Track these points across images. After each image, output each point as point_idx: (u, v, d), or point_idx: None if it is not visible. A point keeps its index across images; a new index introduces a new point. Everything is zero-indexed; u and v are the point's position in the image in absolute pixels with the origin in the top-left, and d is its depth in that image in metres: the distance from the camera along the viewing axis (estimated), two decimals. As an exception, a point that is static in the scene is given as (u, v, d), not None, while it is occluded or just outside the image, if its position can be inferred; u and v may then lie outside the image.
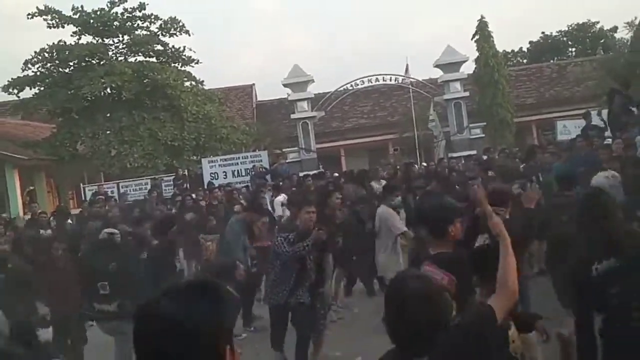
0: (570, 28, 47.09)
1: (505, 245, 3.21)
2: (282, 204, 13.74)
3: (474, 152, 23.02)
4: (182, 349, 1.68)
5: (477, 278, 3.62)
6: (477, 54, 28.88)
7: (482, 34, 28.88)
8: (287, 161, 22.98)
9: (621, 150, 11.22)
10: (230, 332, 1.80)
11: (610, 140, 13.58)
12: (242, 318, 9.13)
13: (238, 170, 21.88)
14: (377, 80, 27.84)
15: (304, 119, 25.81)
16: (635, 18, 25.56)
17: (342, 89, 27.97)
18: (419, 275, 2.97)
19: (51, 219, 15.73)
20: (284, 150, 24.54)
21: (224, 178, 21.49)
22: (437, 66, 26.40)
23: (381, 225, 9.03)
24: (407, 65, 27.62)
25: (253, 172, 20.88)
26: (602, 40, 39.15)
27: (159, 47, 26.17)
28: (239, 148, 25.48)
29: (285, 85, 26.27)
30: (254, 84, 35.63)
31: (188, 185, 21.20)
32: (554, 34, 47.49)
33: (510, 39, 79.02)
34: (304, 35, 74.40)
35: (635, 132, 13.09)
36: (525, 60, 46.36)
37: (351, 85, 27.85)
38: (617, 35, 34.35)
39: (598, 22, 46.24)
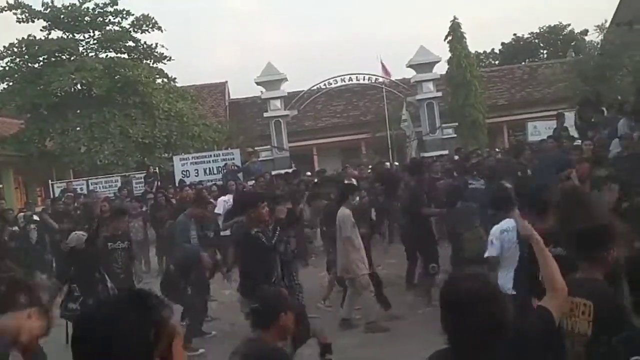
0: (541, 30, 47.63)
1: (540, 248, 3.21)
2: (225, 202, 13.84)
3: (445, 152, 23.16)
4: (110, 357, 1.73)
5: None
6: (449, 54, 29.06)
7: (455, 35, 29.06)
8: (259, 159, 22.87)
9: (591, 151, 11.35)
10: (165, 340, 1.82)
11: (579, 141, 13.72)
12: (194, 330, 8.79)
13: (210, 168, 21.80)
14: (350, 79, 27.83)
15: (276, 118, 25.73)
16: (605, 21, 25.88)
17: (315, 87, 27.94)
18: (476, 275, 2.81)
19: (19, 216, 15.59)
20: (256, 148, 24.40)
21: (196, 176, 21.41)
22: (409, 66, 26.47)
23: (340, 226, 9.02)
24: (382, 64, 27.60)
25: (225, 170, 20.78)
26: (573, 43, 39.48)
27: (130, 43, 25.92)
28: (211, 146, 25.34)
29: (258, 84, 26.13)
30: (227, 82, 35.50)
31: (159, 183, 21.04)
32: (526, 36, 48.02)
33: (483, 40, 79.87)
34: (278, 34, 74.37)
35: (605, 133, 13.25)
36: (497, 62, 46.81)
37: (324, 85, 27.81)
38: (588, 38, 34.72)
39: (569, 25, 46.86)
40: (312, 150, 30.79)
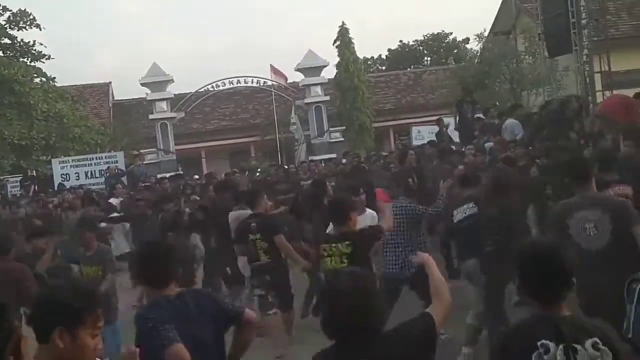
0: (426, 38, 49.17)
1: (429, 267, 3.41)
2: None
3: (334, 155, 23.41)
4: None
5: None
6: (338, 59, 29.41)
7: (344, 40, 29.46)
8: (144, 162, 22.34)
9: (472, 156, 11.73)
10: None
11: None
12: None
13: (92, 172, 21.05)
14: (239, 82, 27.61)
15: (162, 120, 25.13)
16: (485, 30, 27.01)
17: (203, 90, 27.52)
18: (353, 272, 3.04)
19: None
20: (141, 151, 23.78)
21: (77, 179, 20.63)
22: (298, 70, 26.59)
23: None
24: (275, 68, 27.47)
25: (108, 174, 20.09)
26: (455, 51, 41.05)
27: (6, 40, 24.59)
28: (94, 148, 24.36)
29: (143, 85, 25.46)
30: (110, 83, 34.26)
31: (36, 187, 20.10)
32: (411, 43, 49.41)
33: (371, 46, 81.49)
34: (166, 36, 72.70)
35: (485, 139, 13.74)
36: (384, 67, 47.86)
37: (212, 87, 27.46)
38: (469, 46, 36.24)
39: (451, 33, 48.66)
40: (200, 153, 30.27)
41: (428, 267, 3.43)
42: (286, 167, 18.84)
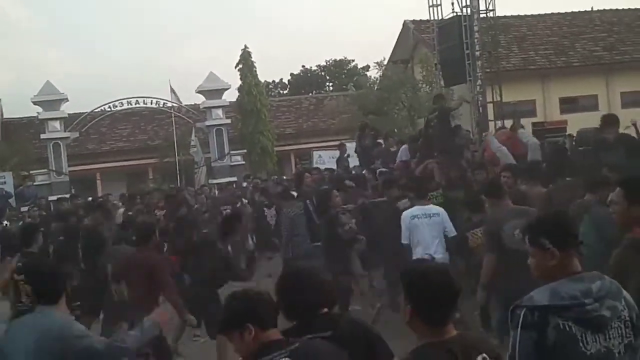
0: (328, 64, 49.89)
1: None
2: None
3: (234, 178, 23.18)
4: None
5: None
6: (240, 82, 29.29)
7: (246, 63, 29.41)
8: (34, 184, 21.40)
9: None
10: None
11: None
12: None
13: (-24, 193, 19.83)
14: (137, 102, 26.89)
15: (55, 140, 24.14)
16: (384, 59, 27.69)
17: (99, 109, 26.67)
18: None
19: None
20: (32, 172, 22.74)
21: (-41, 201, 19.36)
22: (199, 92, 26.25)
23: None
24: (171, 88, 26.97)
25: (-7, 195, 19.04)
26: (355, 78, 41.83)
27: None
28: (-21, 169, 23.08)
29: (35, 103, 24.40)
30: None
31: None
32: (314, 68, 50.00)
33: (273, 70, 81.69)
34: (60, 55, 70.47)
35: (379, 163, 14.03)
36: (286, 92, 48.18)
37: (110, 107, 26.67)
38: (369, 74, 37.04)
39: (353, 60, 49.62)
40: (95, 174, 29.28)
41: None
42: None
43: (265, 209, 13.72)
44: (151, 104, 27.28)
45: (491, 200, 7.10)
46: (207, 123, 25.98)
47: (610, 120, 9.35)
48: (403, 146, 13.83)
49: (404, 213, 8.27)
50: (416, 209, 8.21)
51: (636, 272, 3.49)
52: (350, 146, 17.72)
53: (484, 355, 2.72)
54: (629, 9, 29.61)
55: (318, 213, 9.48)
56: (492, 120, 17.26)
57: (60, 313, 3.69)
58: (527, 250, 3.12)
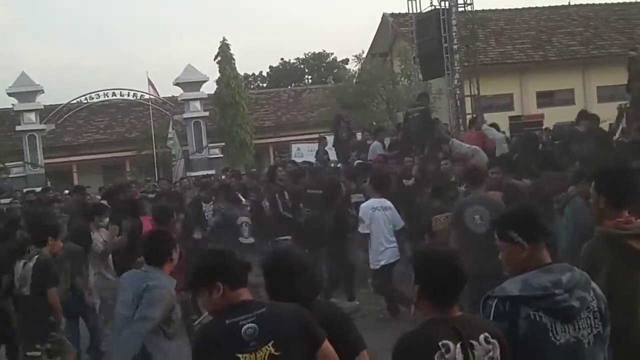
0: (307, 56, 49.77)
1: None
2: None
3: (212, 171, 23.06)
4: None
5: None
6: (218, 75, 29.13)
7: (224, 55, 29.18)
8: (9, 176, 21.17)
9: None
10: None
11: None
12: None
13: (-51, 186, 19.62)
14: (114, 94, 26.69)
15: (31, 132, 23.89)
16: (363, 52, 27.68)
17: (75, 101, 26.40)
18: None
19: None
20: (6, 164, 22.51)
21: None
22: (177, 84, 26.07)
23: None
24: (149, 80, 26.75)
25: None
26: (335, 70, 41.77)
27: None
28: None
29: (10, 94, 24.10)
30: (-27, 91, 32.22)
31: None
32: (292, 61, 49.86)
33: (252, 63, 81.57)
34: (36, 46, 69.58)
35: (354, 156, 14.04)
36: (265, 85, 47.99)
37: (86, 99, 26.41)
38: (348, 67, 37.03)
39: (332, 53, 49.54)
40: (71, 167, 28.99)
41: None
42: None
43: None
44: (128, 96, 27.10)
45: (468, 186, 7.95)
46: (185, 115, 25.83)
47: (583, 115, 9.62)
48: (376, 143, 13.89)
49: (364, 205, 9.12)
50: (374, 202, 8.97)
51: (604, 264, 3.53)
52: (330, 139, 17.71)
53: (487, 334, 2.79)
54: (606, 3, 29.84)
55: (288, 207, 10.35)
56: (469, 114, 17.36)
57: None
58: (486, 234, 3.21)
